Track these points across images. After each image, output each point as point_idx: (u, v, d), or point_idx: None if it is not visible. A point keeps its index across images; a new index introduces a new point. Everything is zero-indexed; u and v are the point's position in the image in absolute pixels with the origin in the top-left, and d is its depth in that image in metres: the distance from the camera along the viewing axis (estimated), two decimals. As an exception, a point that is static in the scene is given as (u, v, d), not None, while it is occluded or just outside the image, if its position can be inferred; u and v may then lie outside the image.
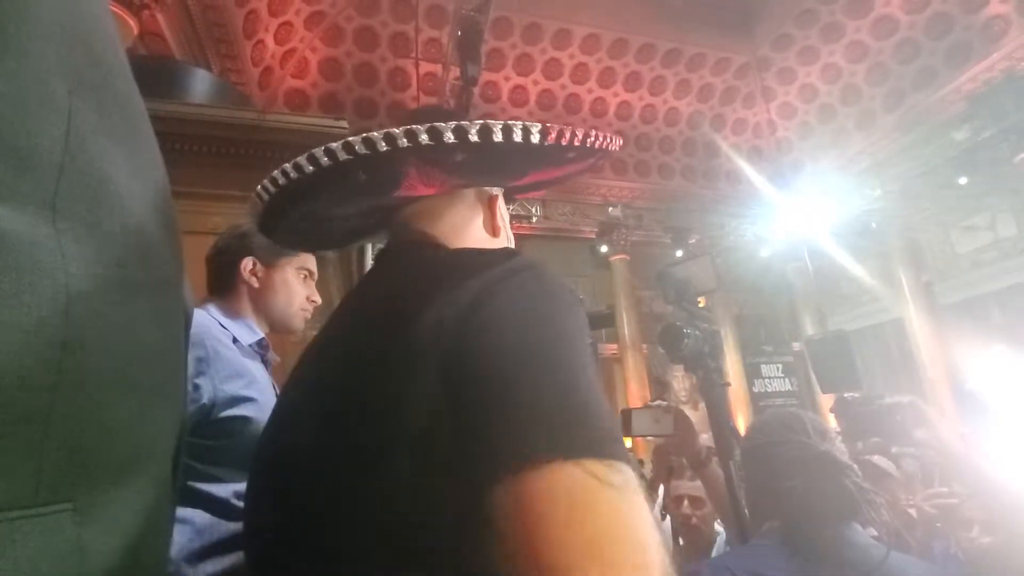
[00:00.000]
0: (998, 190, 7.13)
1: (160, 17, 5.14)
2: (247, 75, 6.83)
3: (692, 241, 9.29)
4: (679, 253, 8.85)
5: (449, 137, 0.51)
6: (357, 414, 0.44)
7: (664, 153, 9.86)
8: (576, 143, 0.57)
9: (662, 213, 9.57)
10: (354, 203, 0.61)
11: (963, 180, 7.03)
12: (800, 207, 7.75)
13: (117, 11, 4.56)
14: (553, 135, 0.55)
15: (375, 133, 0.51)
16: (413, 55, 7.56)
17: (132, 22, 4.75)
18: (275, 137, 2.62)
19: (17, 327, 0.25)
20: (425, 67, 7.87)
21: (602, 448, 0.38)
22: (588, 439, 0.38)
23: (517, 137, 0.53)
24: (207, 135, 2.55)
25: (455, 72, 6.65)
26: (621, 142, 0.65)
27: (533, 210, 8.54)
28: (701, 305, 1.45)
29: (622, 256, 9.19)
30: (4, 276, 0.25)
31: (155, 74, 3.05)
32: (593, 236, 9.20)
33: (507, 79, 8.65)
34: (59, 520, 0.27)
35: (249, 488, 0.56)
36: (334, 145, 0.51)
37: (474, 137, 0.52)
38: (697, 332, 1.26)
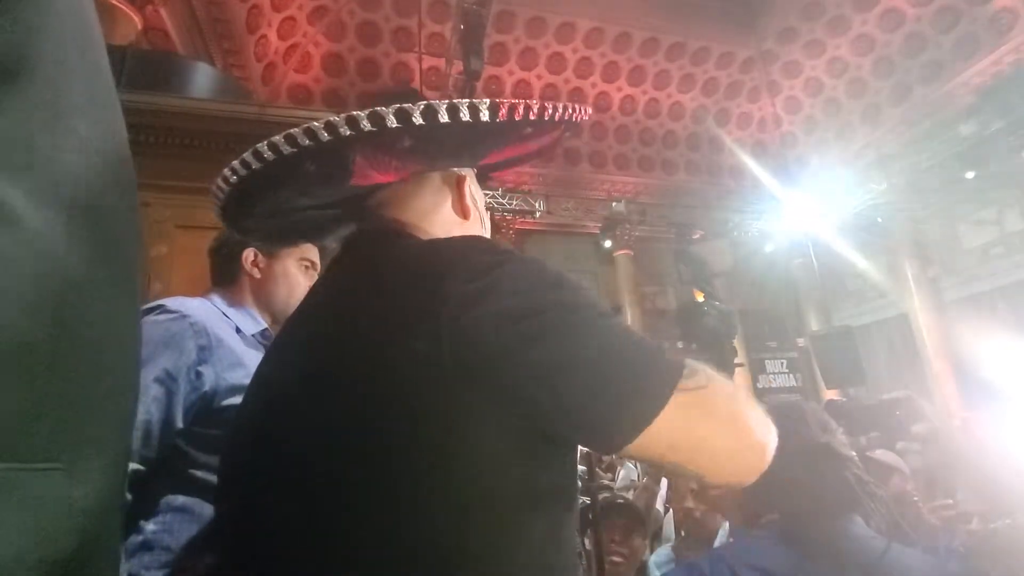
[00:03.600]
0: (1005, 184, 7.06)
1: (163, 12, 5.15)
2: (250, 70, 6.84)
3: (696, 236, 9.26)
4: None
5: (391, 121, 0.49)
6: (365, 411, 0.44)
7: (668, 148, 9.82)
8: (532, 117, 0.54)
9: (666, 208, 9.53)
10: (311, 194, 0.59)
11: (970, 174, 6.98)
12: (805, 202, 7.70)
13: (121, 6, 4.56)
14: (505, 111, 0.52)
15: (317, 123, 0.50)
16: (416, 50, 7.54)
17: (136, 17, 4.75)
18: (276, 131, 2.60)
19: (29, 304, 0.30)
20: (428, 61, 7.85)
21: (673, 371, 0.46)
22: (662, 376, 0.45)
23: (465, 116, 0.51)
24: (209, 129, 2.54)
25: (458, 67, 6.64)
26: (589, 112, 0.63)
27: (537, 205, 8.52)
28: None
29: (626, 251, 9.17)
30: (26, 261, 0.30)
31: (158, 69, 3.05)
32: (597, 231, 9.18)
33: (511, 73, 8.62)
34: (53, 477, 0.31)
35: (222, 469, 0.55)
36: (277, 138, 0.51)
37: (418, 120, 0.49)
38: (714, 311, 1.25)
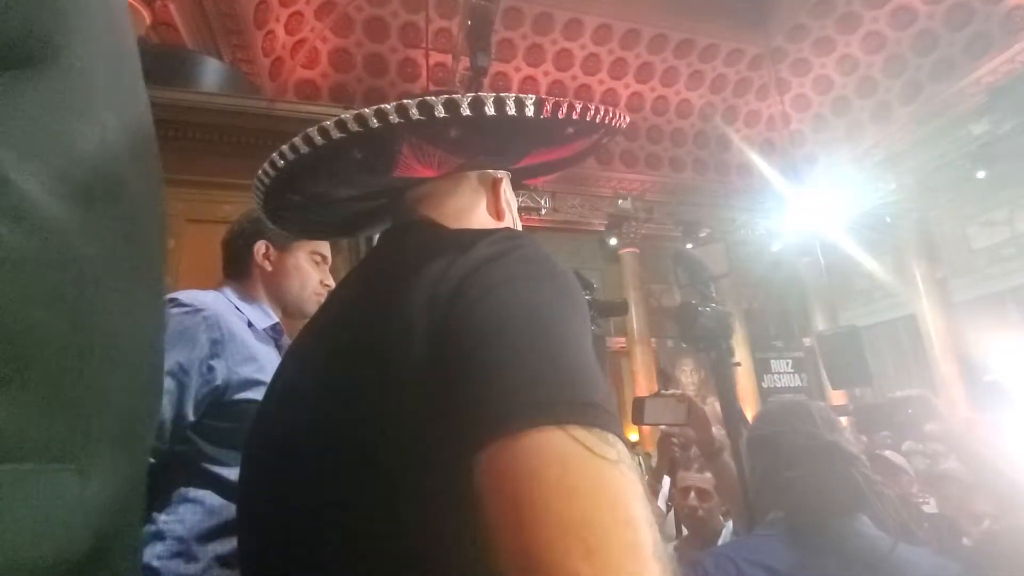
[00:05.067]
0: (1017, 184, 6.99)
1: (172, 7, 5.16)
2: (258, 65, 6.85)
3: (703, 234, 9.22)
4: (689, 246, 8.79)
5: (440, 111, 0.50)
6: (353, 396, 0.44)
7: (675, 145, 9.77)
8: (575, 116, 0.55)
9: (673, 206, 9.50)
10: (354, 184, 0.60)
11: (981, 174, 6.90)
12: (813, 201, 7.65)
13: (131, 1, 4.58)
14: (549, 108, 0.53)
15: (367, 110, 0.50)
16: (423, 45, 7.53)
17: (145, 12, 4.77)
18: (285, 126, 2.64)
19: (41, 299, 0.29)
20: (435, 57, 7.84)
21: (593, 417, 0.35)
22: (578, 405, 0.35)
23: (511, 110, 0.51)
24: (217, 124, 2.56)
25: (465, 62, 6.62)
26: (627, 120, 0.63)
27: (542, 202, 8.51)
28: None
29: (632, 249, 9.15)
30: (39, 254, 0.30)
31: (167, 63, 3.07)
32: (603, 229, 9.16)
33: (517, 70, 8.59)
34: (64, 477, 0.30)
35: (243, 465, 0.56)
36: (327, 123, 0.51)
37: (466, 111, 0.50)
38: (710, 311, 1.26)
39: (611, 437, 0.35)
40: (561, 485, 0.31)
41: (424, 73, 7.86)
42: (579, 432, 0.34)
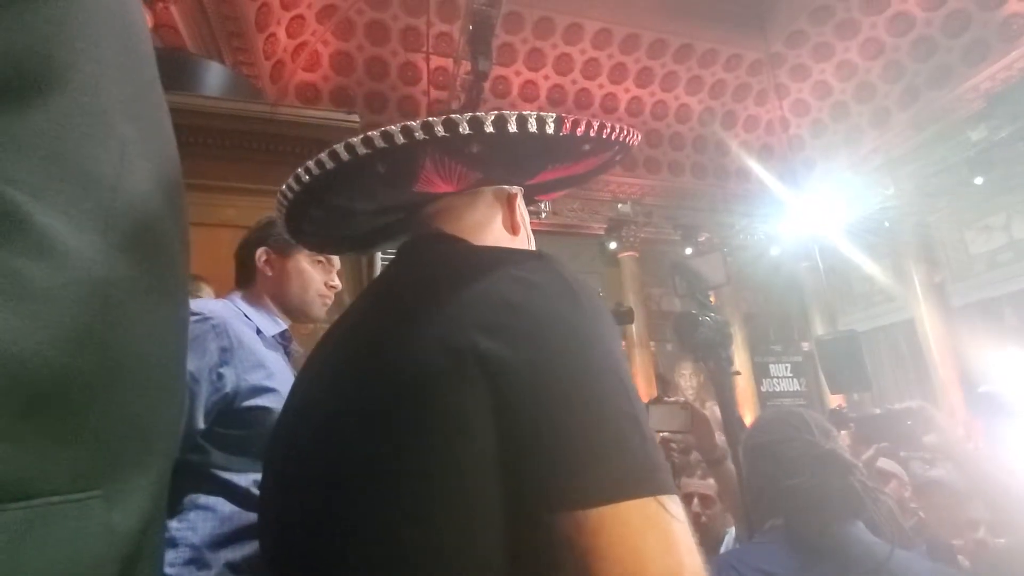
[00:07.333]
0: (1014, 190, 7.02)
1: (174, 9, 5.18)
2: (259, 68, 6.86)
3: (702, 239, 9.24)
4: (688, 251, 8.81)
5: (464, 128, 0.52)
6: (371, 409, 0.45)
7: (675, 150, 9.80)
8: (592, 134, 0.57)
9: (672, 210, 9.51)
10: (375, 197, 0.61)
11: (979, 180, 6.92)
12: (812, 205, 7.67)
13: (132, 4, 4.59)
14: (568, 125, 0.55)
15: (393, 127, 0.52)
16: (424, 49, 7.55)
17: (147, 14, 4.79)
18: (286, 130, 2.65)
19: (70, 334, 0.29)
20: (436, 61, 7.86)
21: (669, 483, 0.43)
22: (661, 475, 0.43)
23: (532, 128, 0.54)
24: (219, 128, 2.57)
25: (466, 67, 6.64)
26: (639, 137, 0.65)
27: (542, 206, 8.51)
28: (712, 302, 1.47)
29: (631, 253, 9.16)
30: (66, 288, 0.29)
31: (168, 67, 3.08)
32: (602, 233, 9.17)
33: (518, 74, 8.62)
34: (91, 505, 0.30)
35: (263, 479, 0.57)
36: (354, 140, 0.53)
37: (489, 128, 0.52)
38: (709, 321, 1.28)
39: (676, 498, 0.43)
40: (661, 542, 0.40)
41: (425, 77, 7.87)
42: (665, 500, 0.42)
